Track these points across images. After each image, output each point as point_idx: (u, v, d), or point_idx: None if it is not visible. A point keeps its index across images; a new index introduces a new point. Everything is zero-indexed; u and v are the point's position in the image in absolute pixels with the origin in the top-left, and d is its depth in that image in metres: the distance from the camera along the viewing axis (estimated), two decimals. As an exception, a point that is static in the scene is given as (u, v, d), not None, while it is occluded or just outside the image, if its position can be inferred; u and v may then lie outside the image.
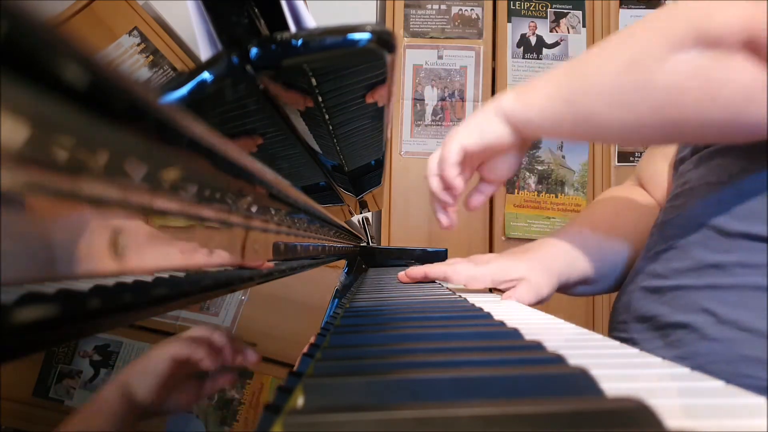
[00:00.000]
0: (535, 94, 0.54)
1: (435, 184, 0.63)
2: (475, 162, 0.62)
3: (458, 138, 0.59)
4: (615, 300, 0.64)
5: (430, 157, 0.63)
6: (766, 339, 0.45)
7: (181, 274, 0.20)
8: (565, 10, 2.08)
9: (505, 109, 0.56)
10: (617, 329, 0.59)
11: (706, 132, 0.45)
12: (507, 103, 0.56)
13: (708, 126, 0.43)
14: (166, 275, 0.19)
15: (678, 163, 0.61)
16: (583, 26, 2.08)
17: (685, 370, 0.26)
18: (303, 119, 0.45)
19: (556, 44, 2.08)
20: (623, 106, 0.46)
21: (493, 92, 2.06)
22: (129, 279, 0.16)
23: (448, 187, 0.62)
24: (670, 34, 0.43)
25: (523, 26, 2.08)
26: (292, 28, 0.36)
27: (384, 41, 0.33)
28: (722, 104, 0.42)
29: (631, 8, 2.08)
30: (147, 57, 1.52)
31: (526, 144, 0.60)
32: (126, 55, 1.51)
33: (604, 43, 0.50)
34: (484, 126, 0.58)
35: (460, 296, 0.56)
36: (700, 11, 0.42)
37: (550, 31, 2.08)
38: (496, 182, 0.64)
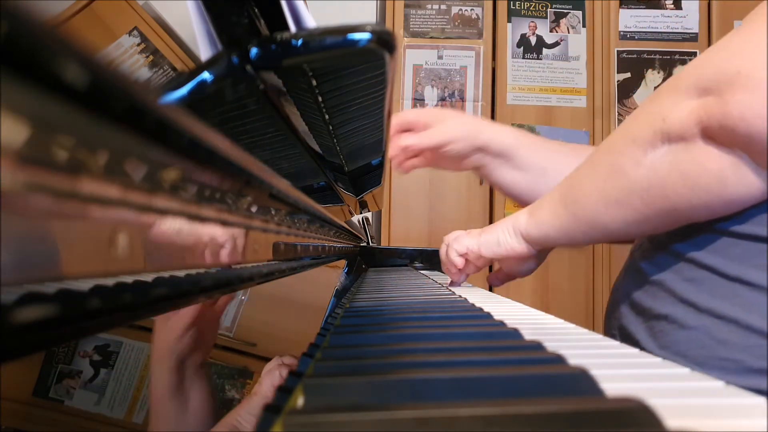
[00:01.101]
0: (543, 213, 0.62)
1: (443, 252, 0.76)
2: (492, 261, 0.72)
3: (477, 241, 0.69)
4: (608, 299, 0.67)
5: (453, 233, 0.76)
6: (738, 325, 0.48)
7: (181, 274, 0.20)
8: (565, 10, 2.08)
9: (520, 228, 0.65)
10: (611, 325, 0.62)
11: (701, 212, 0.49)
12: (522, 223, 0.64)
13: (699, 208, 0.48)
14: (166, 275, 0.19)
15: None
16: (583, 26, 2.08)
17: (685, 370, 0.26)
18: (303, 119, 0.45)
19: (556, 44, 2.08)
20: (620, 207, 0.52)
21: (493, 92, 2.06)
22: (129, 279, 0.16)
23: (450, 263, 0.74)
24: (638, 139, 0.50)
25: (523, 26, 2.08)
26: (292, 28, 0.36)
27: (384, 41, 0.32)
28: (702, 190, 0.47)
29: (631, 8, 2.08)
30: (147, 57, 1.52)
31: (544, 253, 0.68)
32: (126, 55, 1.51)
33: (591, 155, 0.58)
34: (501, 239, 0.67)
35: (460, 296, 0.56)
36: (656, 115, 0.49)
37: (550, 31, 2.08)
38: (515, 276, 0.74)
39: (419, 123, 0.82)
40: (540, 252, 0.67)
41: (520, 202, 0.87)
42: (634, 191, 0.50)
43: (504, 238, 0.67)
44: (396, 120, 0.81)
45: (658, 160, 0.48)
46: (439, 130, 0.81)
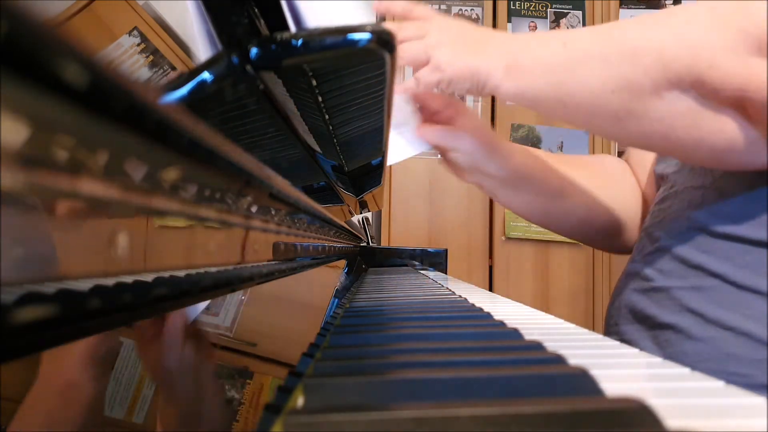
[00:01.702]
0: (528, 80, 0.52)
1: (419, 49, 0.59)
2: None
3: (446, 68, 0.56)
4: (609, 303, 0.65)
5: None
6: (749, 338, 0.46)
7: (181, 274, 0.20)
8: (565, 10, 2.09)
9: (490, 84, 0.53)
10: (611, 331, 0.60)
11: (689, 158, 0.48)
12: (495, 80, 0.53)
13: (690, 156, 0.47)
14: (166, 275, 0.19)
15: (659, 165, 0.63)
16: (583, 26, 2.08)
17: (685, 370, 0.26)
18: (303, 119, 0.45)
19: (556, 44, 2.08)
20: (615, 124, 0.47)
21: (493, 92, 2.06)
22: (129, 279, 0.16)
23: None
24: (670, 70, 0.43)
25: (523, 26, 2.08)
26: (292, 28, 0.36)
27: (384, 41, 0.33)
28: (705, 148, 0.45)
29: (631, 8, 2.08)
30: (147, 57, 1.52)
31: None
32: (126, 55, 1.51)
33: (607, 42, 0.48)
34: (456, 82, 0.55)
35: (460, 296, 0.56)
36: (703, 58, 0.42)
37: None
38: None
39: (434, 103, 0.67)
40: None
41: (529, 220, 0.78)
42: (638, 118, 0.46)
43: (459, 82, 0.55)
44: (408, 84, 0.65)
45: (677, 99, 0.44)
46: (452, 131, 0.66)
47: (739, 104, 0.42)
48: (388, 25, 0.52)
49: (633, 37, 0.47)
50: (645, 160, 0.70)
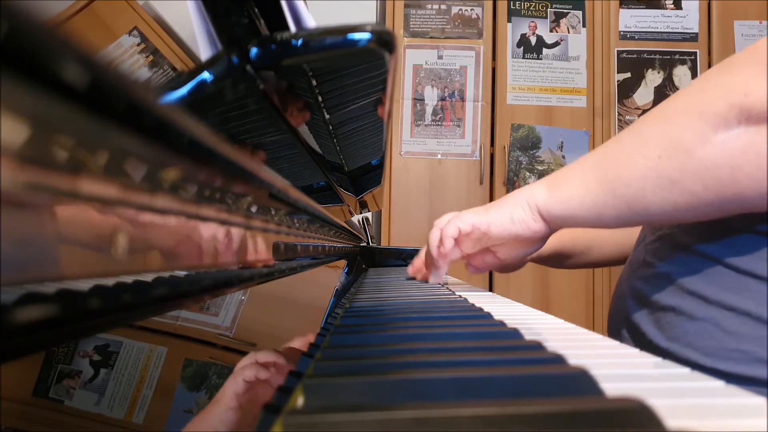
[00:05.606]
0: (570, 187, 0.53)
1: (434, 235, 0.67)
2: (491, 242, 0.63)
3: (486, 218, 0.60)
4: (614, 290, 0.67)
5: (446, 215, 0.67)
6: (749, 317, 0.48)
7: (181, 274, 0.20)
8: (565, 10, 2.09)
9: (538, 203, 0.56)
10: (616, 320, 0.62)
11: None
12: (539, 197, 0.56)
13: None
14: (166, 275, 0.19)
15: None
16: (583, 26, 2.08)
17: (685, 370, 0.26)
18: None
19: (556, 44, 2.08)
20: (673, 188, 0.46)
21: (493, 92, 2.06)
22: (129, 279, 0.16)
23: (441, 250, 0.66)
24: (709, 114, 0.43)
25: (523, 26, 2.08)
26: (292, 28, 0.36)
27: (384, 41, 0.33)
28: None
29: (631, 8, 2.08)
30: (147, 57, 1.52)
31: (548, 236, 0.60)
32: (126, 55, 1.51)
33: (636, 126, 0.49)
34: (515, 216, 0.58)
35: (460, 296, 0.56)
36: (734, 89, 0.42)
37: (550, 31, 2.08)
38: (504, 262, 0.67)
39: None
40: (547, 236, 0.59)
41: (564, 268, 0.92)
42: (696, 171, 0.44)
43: (519, 214, 0.57)
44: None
45: (731, 138, 0.42)
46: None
47: None
48: None
49: (659, 108, 0.48)
50: None
